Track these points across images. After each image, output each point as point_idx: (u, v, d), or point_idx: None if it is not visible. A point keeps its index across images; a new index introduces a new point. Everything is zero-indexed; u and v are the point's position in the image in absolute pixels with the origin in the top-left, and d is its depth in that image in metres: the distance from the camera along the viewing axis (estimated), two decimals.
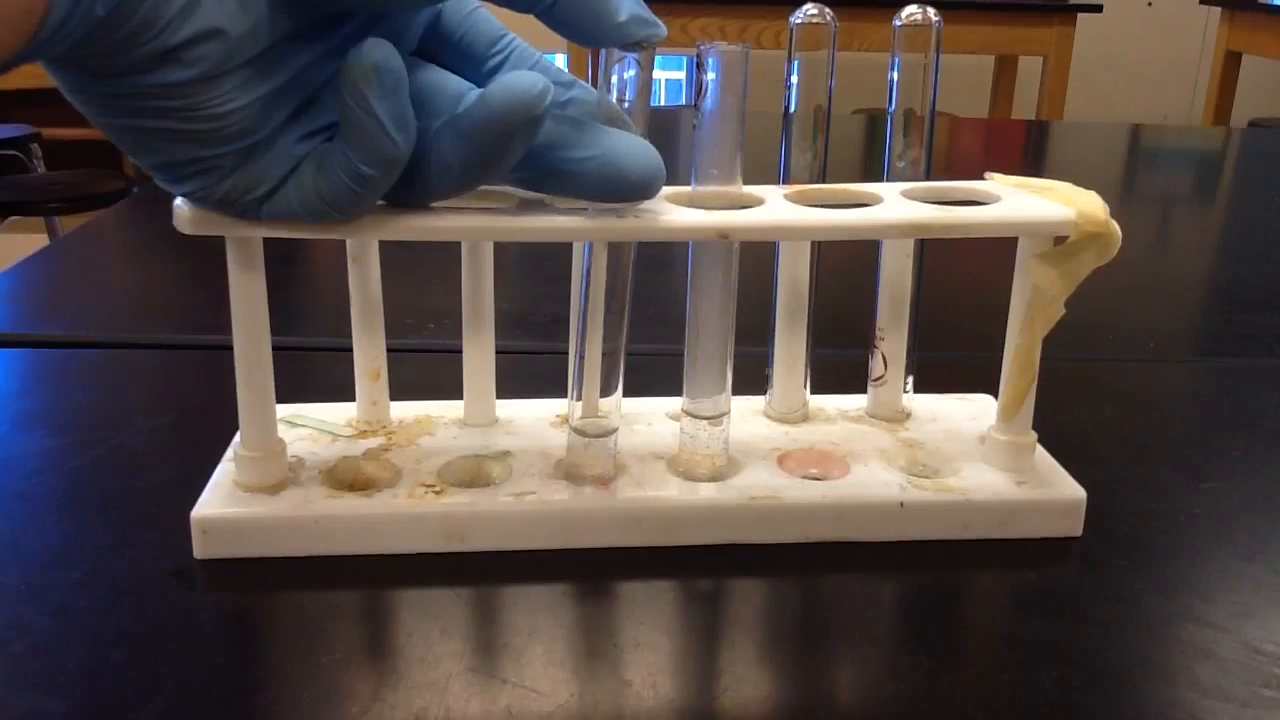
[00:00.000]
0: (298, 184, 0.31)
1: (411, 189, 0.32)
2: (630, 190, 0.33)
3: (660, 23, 0.32)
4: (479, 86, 0.34)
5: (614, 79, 0.34)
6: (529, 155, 0.32)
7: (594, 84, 0.34)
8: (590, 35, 0.31)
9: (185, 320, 0.59)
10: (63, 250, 0.75)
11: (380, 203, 0.33)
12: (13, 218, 2.47)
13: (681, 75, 3.86)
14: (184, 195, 0.32)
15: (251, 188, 0.31)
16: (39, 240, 2.39)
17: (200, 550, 0.35)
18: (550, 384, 0.43)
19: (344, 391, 0.42)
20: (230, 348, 0.35)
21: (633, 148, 0.32)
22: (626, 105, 0.34)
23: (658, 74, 3.83)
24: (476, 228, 0.34)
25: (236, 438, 0.36)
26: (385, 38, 0.30)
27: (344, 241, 0.39)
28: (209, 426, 0.41)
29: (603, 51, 0.33)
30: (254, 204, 0.32)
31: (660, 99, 3.85)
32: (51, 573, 0.34)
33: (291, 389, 0.39)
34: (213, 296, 0.60)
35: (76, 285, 0.66)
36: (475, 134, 0.30)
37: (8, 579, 0.33)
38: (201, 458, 0.38)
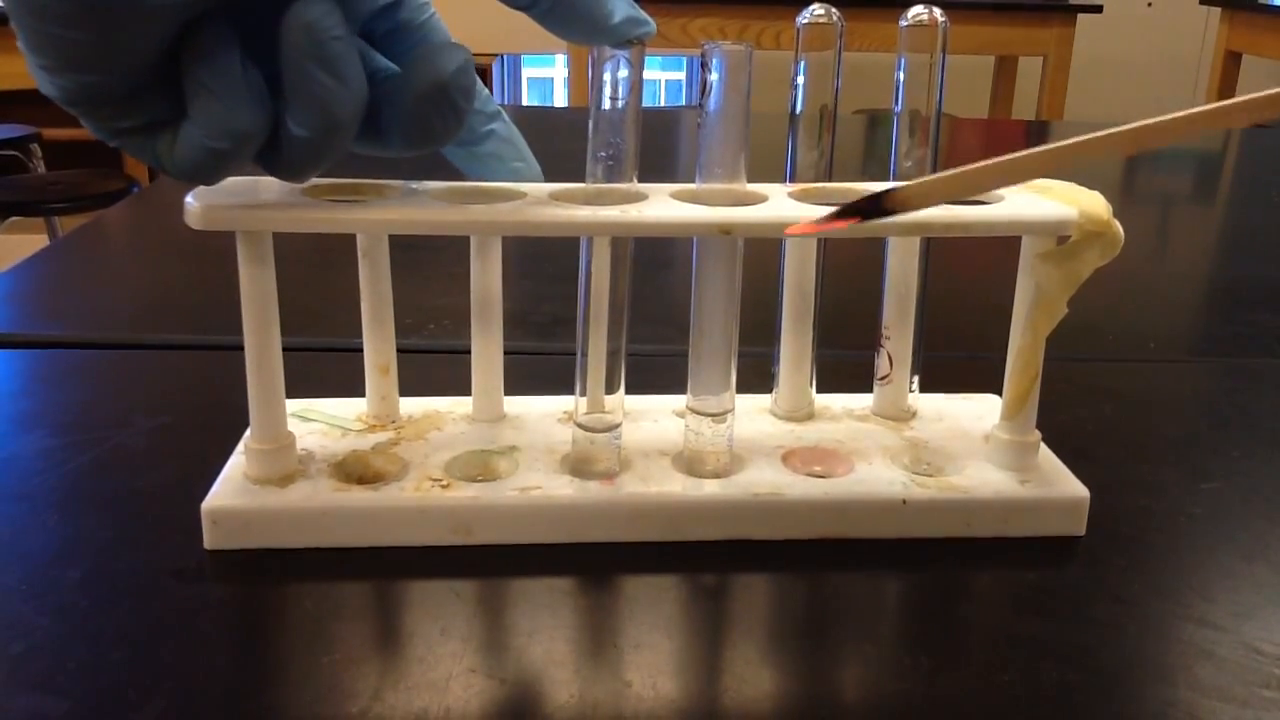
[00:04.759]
0: (170, 139, 0.31)
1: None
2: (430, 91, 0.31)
3: (650, 19, 0.33)
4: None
5: (605, 76, 0.34)
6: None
7: (590, 81, 0.35)
8: (585, 36, 0.32)
9: (185, 320, 0.59)
10: (63, 250, 0.75)
11: (382, 198, 0.33)
12: (13, 218, 2.47)
13: (682, 75, 3.86)
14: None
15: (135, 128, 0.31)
16: (39, 240, 2.39)
17: (210, 541, 0.35)
18: (553, 384, 0.43)
19: (354, 390, 0.42)
20: (233, 347, 0.35)
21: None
22: (620, 103, 0.34)
23: (659, 74, 3.84)
24: (479, 222, 0.34)
25: (248, 432, 0.36)
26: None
27: (354, 240, 0.39)
28: (209, 426, 0.41)
29: (593, 49, 0.34)
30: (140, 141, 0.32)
31: (660, 99, 3.86)
32: (51, 573, 0.34)
33: (299, 388, 0.39)
34: (213, 296, 0.61)
35: (76, 285, 0.66)
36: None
37: (8, 579, 0.33)
38: (202, 458, 0.38)
